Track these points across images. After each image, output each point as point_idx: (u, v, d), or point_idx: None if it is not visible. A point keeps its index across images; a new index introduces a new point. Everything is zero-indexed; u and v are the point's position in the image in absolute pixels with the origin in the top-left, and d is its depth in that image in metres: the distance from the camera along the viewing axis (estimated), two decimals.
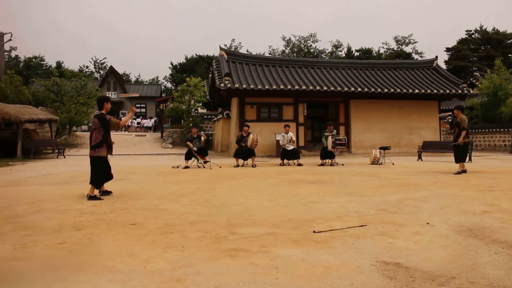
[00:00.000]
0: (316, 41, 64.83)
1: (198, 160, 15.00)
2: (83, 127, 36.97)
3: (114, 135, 34.44)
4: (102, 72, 65.74)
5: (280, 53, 63.12)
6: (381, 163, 15.69)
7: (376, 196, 7.56)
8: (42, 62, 66.08)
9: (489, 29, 58.88)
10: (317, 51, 63.94)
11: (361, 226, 5.09)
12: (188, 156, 14.97)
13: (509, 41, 58.13)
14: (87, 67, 67.79)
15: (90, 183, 7.57)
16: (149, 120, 43.98)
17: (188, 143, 15.08)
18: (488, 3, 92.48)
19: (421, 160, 18.19)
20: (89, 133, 28.43)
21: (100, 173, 7.65)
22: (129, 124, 42.99)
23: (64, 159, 20.38)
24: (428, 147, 19.42)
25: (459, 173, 11.42)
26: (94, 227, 5.19)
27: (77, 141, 29.23)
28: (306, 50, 62.92)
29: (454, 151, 11.95)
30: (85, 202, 7.03)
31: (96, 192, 7.62)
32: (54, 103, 29.68)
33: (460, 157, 11.74)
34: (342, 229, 4.90)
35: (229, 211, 6.16)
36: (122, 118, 8.39)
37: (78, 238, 4.62)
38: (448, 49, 60.25)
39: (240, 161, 15.40)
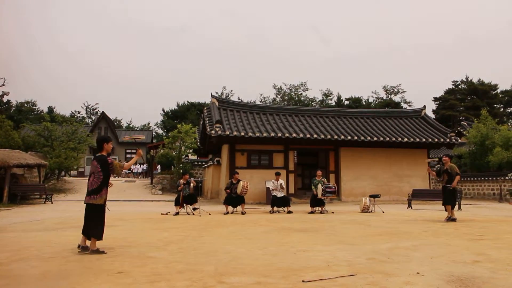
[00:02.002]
0: (307, 90, 65.69)
1: (185, 207, 14.91)
2: (72, 172, 36.73)
3: None
4: (93, 117, 65.95)
5: (271, 101, 63.90)
6: (371, 211, 15.65)
7: (366, 244, 7.50)
8: (33, 107, 66.18)
9: (475, 80, 60.53)
10: (308, 99, 64.80)
11: (351, 275, 5.03)
12: (177, 203, 14.85)
13: (493, 92, 59.58)
14: (78, 112, 68.05)
15: (91, 237, 6.72)
16: (139, 166, 43.77)
17: (180, 187, 14.98)
18: (474, 55, 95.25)
19: (411, 208, 18.17)
20: (78, 178, 27.75)
21: (100, 222, 6.81)
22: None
23: (52, 205, 20.11)
24: (417, 195, 19.45)
25: (449, 219, 11.55)
26: (80, 276, 5.07)
27: (66, 186, 28.92)
28: (296, 98, 63.76)
29: (443, 195, 12.03)
30: (72, 250, 6.89)
31: (98, 245, 6.81)
32: (44, 148, 29.56)
33: (448, 201, 11.84)
34: (331, 279, 4.84)
35: (217, 260, 6.07)
36: (125, 163, 7.74)
37: None
38: (436, 99, 61.51)
39: (230, 208, 15.28)
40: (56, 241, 7.85)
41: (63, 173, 31.77)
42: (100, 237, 6.80)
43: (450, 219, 11.63)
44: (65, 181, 30.86)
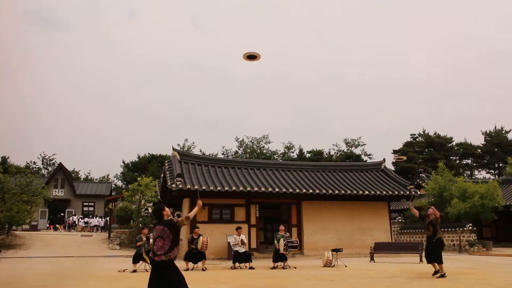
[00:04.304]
0: (269, 142, 66.04)
1: (147, 263, 14.35)
2: (24, 226, 35.10)
3: (58, 235, 32.58)
4: (50, 168, 64.00)
5: (233, 153, 63.93)
6: (333, 265, 15.49)
7: None
8: None
9: (431, 133, 62.56)
10: (270, 152, 65.19)
11: None
12: (136, 259, 14.33)
13: (449, 145, 61.72)
14: (34, 163, 65.89)
15: None
16: (100, 219, 42.33)
17: (139, 243, 14.55)
18: (430, 109, 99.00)
19: (374, 261, 18.12)
20: (30, 233, 26.46)
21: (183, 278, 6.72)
22: (76, 223, 41.27)
23: None
24: (380, 248, 19.49)
25: (442, 275, 10.97)
26: None
27: (16, 242, 27.52)
28: (259, 151, 64.08)
29: (430, 250, 11.47)
30: None
31: None
32: None
33: (437, 258, 11.23)
34: None
35: None
36: (190, 214, 7.31)
37: None
38: (395, 151, 63.04)
39: (190, 265, 14.84)
40: None
41: (14, 227, 30.29)
42: None
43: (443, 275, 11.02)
44: (16, 236, 29.40)
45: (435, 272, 11.33)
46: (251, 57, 9.37)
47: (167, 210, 7.12)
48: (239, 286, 9.87)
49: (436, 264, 11.37)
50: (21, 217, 27.10)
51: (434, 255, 11.35)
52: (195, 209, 7.33)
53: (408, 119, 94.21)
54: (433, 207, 12.11)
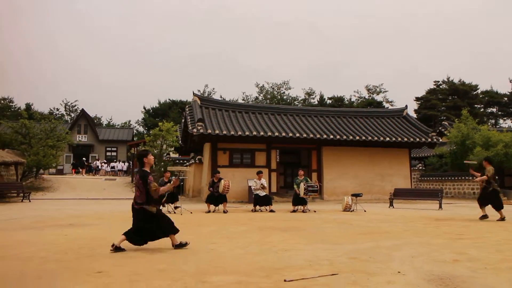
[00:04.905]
0: (289, 89, 65.47)
1: (165, 205, 14.73)
2: (51, 170, 36.22)
3: (83, 179, 33.38)
4: (73, 115, 64.94)
5: (254, 99, 63.69)
6: (353, 210, 15.70)
7: (348, 243, 7.51)
8: (10, 104, 64.96)
9: (456, 80, 61.06)
10: (290, 98, 64.76)
11: (333, 274, 5.01)
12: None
13: (474, 93, 60.28)
14: (57, 109, 66.95)
15: (167, 235, 6.92)
16: (123, 163, 43.29)
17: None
18: (455, 55, 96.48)
19: (393, 207, 18.28)
20: (56, 176, 27.30)
21: (167, 220, 6.98)
22: (100, 167, 42.28)
23: (29, 203, 19.76)
24: (399, 194, 19.58)
25: (501, 219, 11.82)
26: (59, 276, 4.96)
27: (44, 184, 28.50)
28: (279, 97, 63.71)
29: (483, 196, 12.45)
30: (50, 249, 6.74)
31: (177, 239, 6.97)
32: (22, 145, 29.03)
33: (498, 205, 12.14)
34: (313, 278, 4.81)
35: (198, 259, 6.01)
36: (161, 188, 7.27)
37: None
38: (417, 98, 61.98)
39: (212, 207, 15.21)
40: (34, 241, 7.69)
41: (41, 171, 31.26)
42: (176, 230, 6.98)
43: (502, 219, 11.88)
44: (43, 179, 30.43)
45: (483, 216, 12.09)
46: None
47: (150, 158, 7.16)
48: (259, 227, 10.13)
49: (485, 208, 12.22)
50: (47, 161, 27.89)
51: (491, 202, 12.22)
52: (168, 185, 7.90)
53: (433, 66, 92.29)
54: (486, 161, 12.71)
